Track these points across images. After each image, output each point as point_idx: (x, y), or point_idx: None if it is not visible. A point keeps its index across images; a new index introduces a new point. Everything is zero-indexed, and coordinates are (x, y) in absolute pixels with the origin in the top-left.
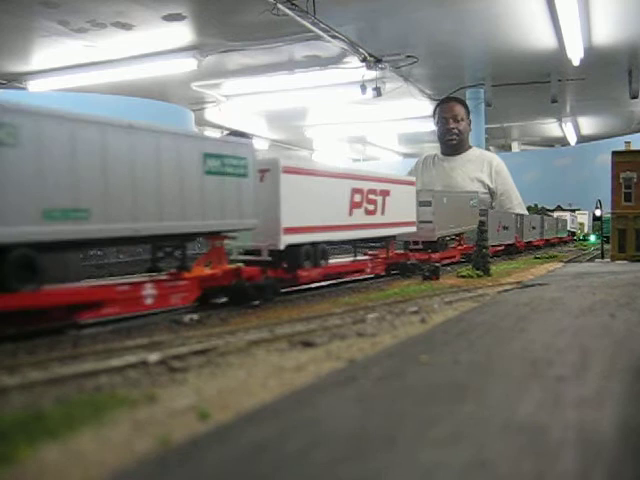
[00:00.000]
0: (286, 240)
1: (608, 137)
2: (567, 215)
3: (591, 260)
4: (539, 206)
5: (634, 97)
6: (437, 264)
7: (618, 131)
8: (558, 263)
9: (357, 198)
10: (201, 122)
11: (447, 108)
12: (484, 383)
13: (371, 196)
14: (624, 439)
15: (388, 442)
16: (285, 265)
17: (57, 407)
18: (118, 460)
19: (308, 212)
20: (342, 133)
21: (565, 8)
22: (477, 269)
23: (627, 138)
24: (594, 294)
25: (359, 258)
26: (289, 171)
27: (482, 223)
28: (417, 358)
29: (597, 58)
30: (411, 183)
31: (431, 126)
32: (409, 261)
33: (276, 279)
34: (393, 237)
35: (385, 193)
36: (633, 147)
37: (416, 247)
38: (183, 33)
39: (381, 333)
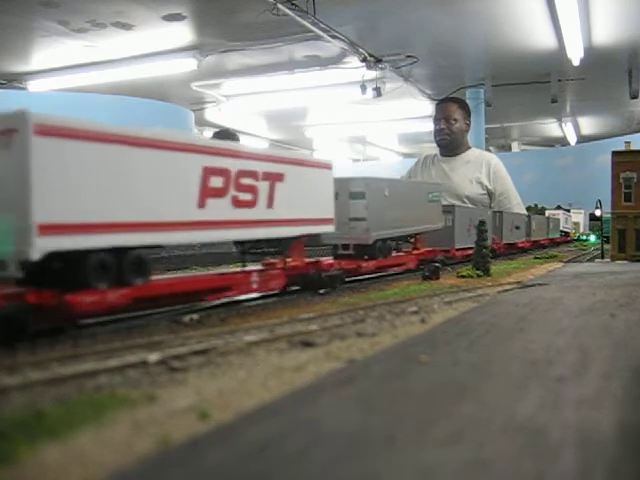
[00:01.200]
0: (46, 245)
1: (608, 137)
2: (560, 214)
3: (591, 260)
4: (539, 206)
5: (634, 97)
6: (437, 264)
7: (618, 131)
8: (558, 263)
9: (215, 182)
10: (201, 122)
11: (440, 108)
12: (484, 383)
13: (246, 181)
14: (624, 439)
15: (388, 442)
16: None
17: (57, 407)
18: (118, 460)
19: (102, 200)
20: (342, 133)
21: (565, 8)
22: (477, 269)
23: (627, 138)
24: (594, 294)
25: (242, 269)
26: (51, 132)
27: (482, 223)
28: (417, 358)
29: (597, 58)
30: (326, 166)
31: (431, 126)
32: (325, 272)
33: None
34: (296, 239)
35: (275, 177)
36: (633, 147)
37: (346, 252)
38: (183, 33)
39: (381, 333)
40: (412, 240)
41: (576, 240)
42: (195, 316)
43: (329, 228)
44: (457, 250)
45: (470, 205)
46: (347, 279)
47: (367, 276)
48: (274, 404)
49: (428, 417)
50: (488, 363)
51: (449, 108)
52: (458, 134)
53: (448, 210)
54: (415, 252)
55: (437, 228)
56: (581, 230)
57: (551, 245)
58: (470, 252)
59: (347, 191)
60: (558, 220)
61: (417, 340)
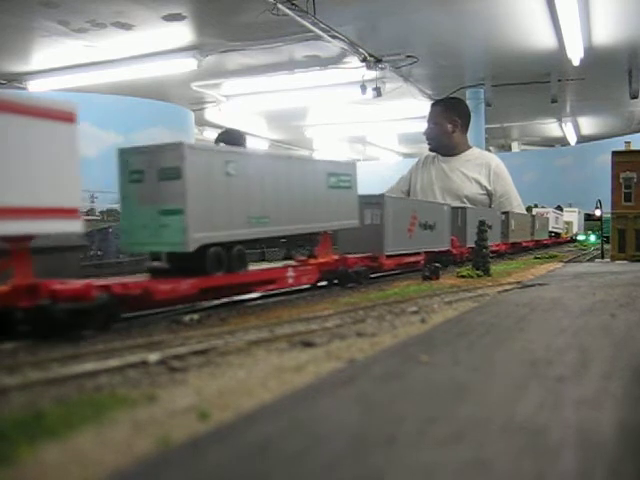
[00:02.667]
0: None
1: (608, 137)
2: (549, 212)
3: (591, 260)
4: (539, 206)
5: (634, 97)
6: (437, 264)
7: (618, 131)
8: (558, 263)
9: None
10: (201, 122)
11: (429, 112)
12: (484, 383)
13: None
14: (624, 439)
15: (388, 442)
16: None
17: (57, 407)
18: (118, 460)
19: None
20: (342, 133)
21: (565, 8)
22: (477, 269)
23: (627, 138)
24: (594, 294)
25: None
26: None
27: (482, 223)
28: (417, 358)
29: (597, 58)
30: (61, 116)
31: None
32: (58, 304)
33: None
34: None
35: None
36: (633, 147)
37: (158, 266)
38: (183, 33)
39: (381, 333)
40: (318, 243)
41: (570, 241)
42: (195, 316)
43: (68, 225)
44: (389, 257)
45: (451, 202)
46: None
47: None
48: (274, 404)
49: (428, 417)
50: (488, 363)
51: (432, 111)
52: (442, 136)
53: (375, 202)
54: (314, 262)
55: (346, 227)
56: (574, 230)
57: (537, 248)
58: (413, 259)
59: (156, 167)
60: (546, 219)
61: (417, 340)
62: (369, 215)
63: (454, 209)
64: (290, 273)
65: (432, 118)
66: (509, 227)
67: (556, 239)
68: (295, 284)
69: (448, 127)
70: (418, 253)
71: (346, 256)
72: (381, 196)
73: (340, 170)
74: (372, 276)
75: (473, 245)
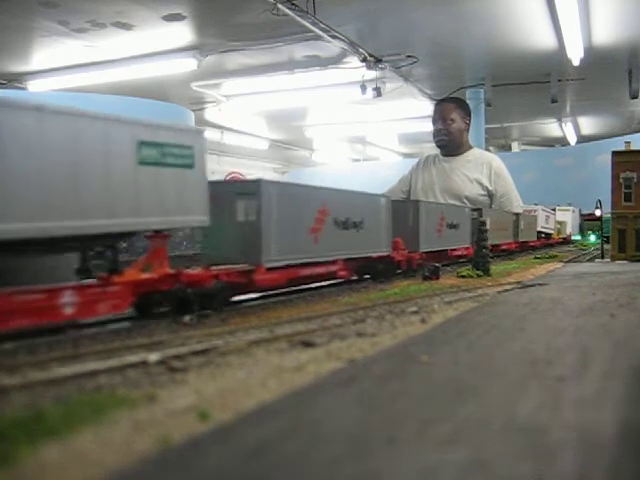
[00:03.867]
0: None
1: (608, 137)
2: (538, 210)
3: (591, 260)
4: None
5: (634, 97)
6: (437, 264)
7: (618, 131)
8: (558, 263)
9: None
10: (201, 122)
11: (438, 109)
12: (484, 383)
13: None
14: (624, 439)
15: (388, 442)
16: None
17: (57, 407)
18: (118, 460)
19: None
20: (342, 133)
21: (565, 8)
22: (477, 269)
23: (627, 138)
24: (594, 294)
25: None
26: None
27: (482, 223)
28: (417, 358)
29: (597, 58)
30: None
31: (431, 126)
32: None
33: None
34: None
35: None
36: (633, 147)
37: None
38: (183, 33)
39: (381, 333)
40: (130, 250)
41: (563, 243)
42: (195, 316)
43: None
44: (272, 271)
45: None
46: None
47: None
48: (274, 404)
49: (428, 417)
50: (488, 363)
51: (446, 108)
52: (456, 134)
53: (247, 190)
54: (121, 279)
55: (183, 226)
56: (568, 231)
57: (521, 251)
58: (321, 270)
59: None
60: (534, 218)
61: (417, 340)
62: (242, 209)
63: (400, 203)
64: (69, 298)
65: (447, 114)
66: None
67: (546, 240)
68: (82, 315)
69: (463, 125)
70: (331, 262)
71: (186, 270)
72: (257, 182)
73: (166, 138)
74: (241, 299)
75: (429, 250)
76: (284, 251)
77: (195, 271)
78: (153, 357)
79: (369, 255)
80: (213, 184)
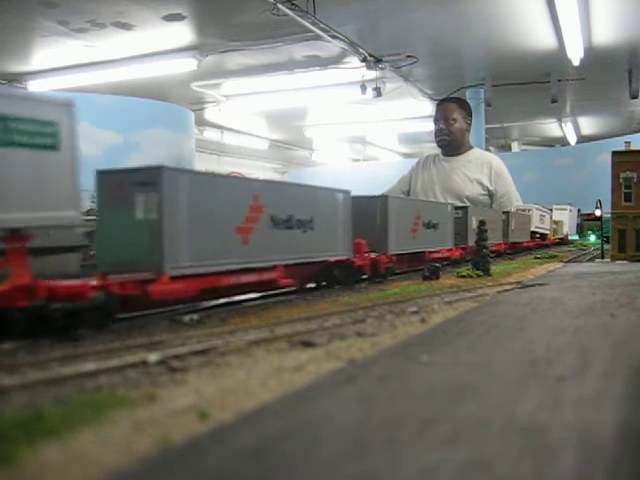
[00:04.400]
0: None
1: (608, 137)
2: (532, 209)
3: (591, 260)
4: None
5: (634, 97)
6: (437, 264)
7: (618, 131)
8: (558, 263)
9: None
10: (201, 122)
11: (440, 109)
12: (484, 383)
13: None
14: (624, 439)
15: (388, 442)
16: None
17: (57, 407)
18: (118, 460)
19: None
20: (342, 133)
21: (565, 8)
22: (477, 269)
23: (627, 138)
24: (594, 294)
25: None
26: None
27: (482, 223)
28: (417, 358)
29: (597, 58)
30: None
31: (431, 126)
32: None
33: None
34: None
35: None
36: (633, 147)
37: None
38: (183, 33)
39: (381, 333)
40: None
41: (559, 243)
42: (195, 316)
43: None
44: (175, 281)
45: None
46: None
47: None
48: (274, 404)
49: (428, 417)
50: (488, 363)
51: (449, 108)
52: (458, 134)
53: (147, 181)
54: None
55: (46, 223)
56: (565, 231)
57: (513, 252)
58: (250, 278)
59: None
60: (528, 217)
61: (417, 340)
62: (141, 204)
63: (364, 199)
64: None
65: (449, 114)
66: (468, 226)
67: (541, 241)
68: None
69: (465, 125)
70: (267, 268)
71: (44, 281)
72: (158, 169)
73: (14, 110)
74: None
75: (399, 251)
76: (199, 256)
77: (69, 282)
78: (153, 357)
79: (322, 260)
80: (108, 172)
